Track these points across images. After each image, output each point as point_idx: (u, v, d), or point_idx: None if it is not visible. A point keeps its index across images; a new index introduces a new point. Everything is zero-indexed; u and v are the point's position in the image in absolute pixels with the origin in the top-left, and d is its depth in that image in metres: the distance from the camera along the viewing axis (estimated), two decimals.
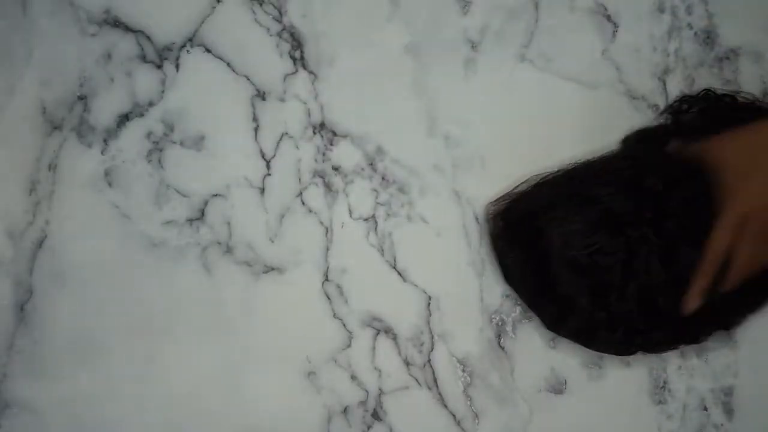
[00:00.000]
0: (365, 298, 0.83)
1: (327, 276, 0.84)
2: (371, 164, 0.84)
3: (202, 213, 0.85)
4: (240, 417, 0.83)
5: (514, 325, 0.82)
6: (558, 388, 0.82)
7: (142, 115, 0.86)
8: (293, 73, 0.85)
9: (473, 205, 0.83)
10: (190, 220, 0.85)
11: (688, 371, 0.81)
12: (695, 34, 0.82)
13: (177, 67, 0.86)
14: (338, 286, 0.84)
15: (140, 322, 0.84)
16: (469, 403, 0.82)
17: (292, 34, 0.85)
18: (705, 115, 0.76)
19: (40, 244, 0.85)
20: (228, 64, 0.85)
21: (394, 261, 0.83)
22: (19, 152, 0.86)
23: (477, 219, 0.83)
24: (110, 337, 0.84)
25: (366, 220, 0.84)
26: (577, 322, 0.73)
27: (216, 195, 0.85)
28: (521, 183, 0.76)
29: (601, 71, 0.83)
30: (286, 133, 0.85)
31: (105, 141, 0.86)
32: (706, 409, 0.81)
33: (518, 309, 0.83)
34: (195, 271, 0.84)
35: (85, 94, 0.86)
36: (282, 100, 0.85)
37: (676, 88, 0.82)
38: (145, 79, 0.86)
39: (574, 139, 0.81)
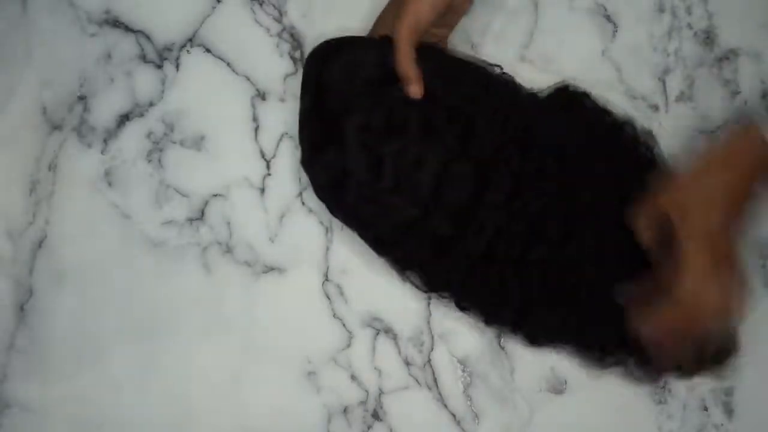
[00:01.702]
0: (365, 298, 0.83)
1: (327, 276, 0.84)
2: None
3: (202, 213, 0.85)
4: (240, 417, 0.83)
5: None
6: (558, 388, 0.82)
7: (142, 115, 0.86)
8: (293, 73, 0.85)
9: None
10: (190, 220, 0.85)
11: None
12: (695, 34, 0.82)
13: (177, 67, 0.86)
14: (338, 286, 0.84)
15: (140, 322, 0.84)
16: (469, 403, 0.82)
17: (292, 34, 0.85)
18: None
19: (40, 244, 0.85)
20: (228, 64, 0.85)
21: None
22: (19, 152, 0.86)
23: None
24: (110, 337, 0.84)
25: None
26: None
27: (216, 195, 0.85)
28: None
29: (601, 71, 0.83)
30: (286, 133, 0.85)
31: (105, 141, 0.86)
32: (706, 409, 0.81)
33: None
34: (195, 271, 0.84)
35: (85, 94, 0.86)
36: (282, 100, 0.85)
37: (676, 88, 0.82)
38: (145, 79, 0.86)
39: None
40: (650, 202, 0.71)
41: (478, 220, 0.75)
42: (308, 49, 0.85)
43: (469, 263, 0.76)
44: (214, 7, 0.86)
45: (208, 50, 0.86)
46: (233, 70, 0.85)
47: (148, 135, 0.85)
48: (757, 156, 0.68)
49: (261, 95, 0.85)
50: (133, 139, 0.85)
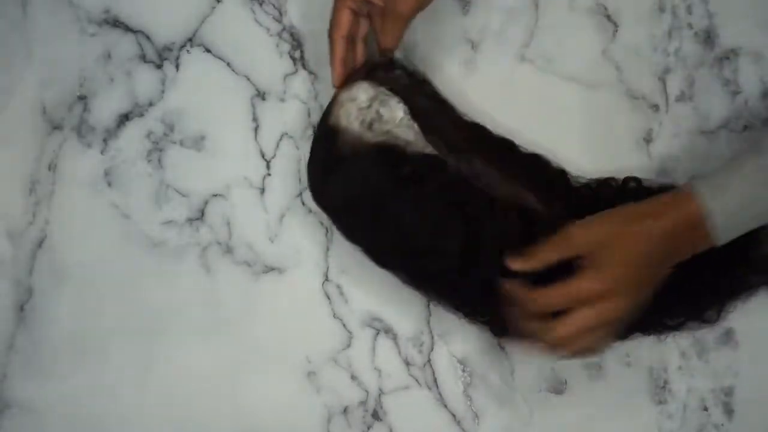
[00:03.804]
0: (365, 298, 0.83)
1: (327, 276, 0.84)
2: None
3: (202, 213, 0.85)
4: (240, 417, 0.83)
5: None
6: (558, 388, 0.82)
7: (142, 115, 0.86)
8: (293, 73, 0.85)
9: None
10: (190, 220, 0.85)
11: (689, 371, 0.81)
12: (695, 33, 0.82)
13: (177, 67, 0.86)
14: (338, 286, 0.84)
15: (140, 322, 0.84)
16: (469, 403, 0.82)
17: (292, 34, 0.85)
18: None
19: (40, 244, 0.85)
20: (228, 64, 0.85)
21: None
22: (19, 152, 0.86)
23: None
24: (110, 337, 0.84)
25: None
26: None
27: (216, 195, 0.85)
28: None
29: (601, 71, 0.83)
30: (286, 133, 0.85)
31: (105, 141, 0.86)
32: (706, 409, 0.81)
33: None
34: (195, 271, 0.84)
35: (85, 94, 0.86)
36: (282, 100, 0.85)
37: (676, 88, 0.82)
38: (145, 79, 0.86)
39: (574, 139, 0.81)
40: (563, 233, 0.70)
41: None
42: (308, 48, 0.85)
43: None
44: (213, 7, 0.86)
45: (208, 50, 0.86)
46: (233, 70, 0.85)
47: (148, 135, 0.85)
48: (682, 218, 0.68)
49: (261, 95, 0.85)
50: (133, 139, 0.85)
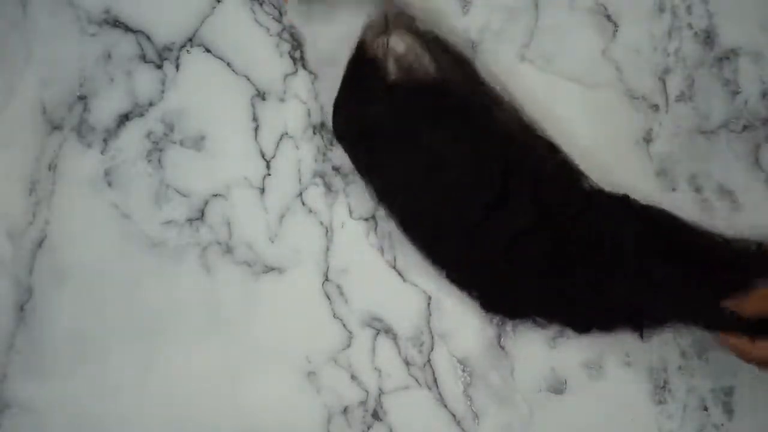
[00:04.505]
0: (365, 298, 0.83)
1: (327, 276, 0.84)
2: None
3: (202, 213, 0.85)
4: (240, 417, 0.83)
5: (514, 324, 0.82)
6: (558, 388, 0.82)
7: (142, 115, 0.86)
8: (293, 73, 0.85)
9: None
10: (190, 220, 0.85)
11: (689, 371, 0.81)
12: (695, 33, 0.82)
13: (177, 67, 0.86)
14: (338, 286, 0.84)
15: (140, 322, 0.84)
16: (469, 403, 0.82)
17: (292, 34, 0.85)
18: None
19: (40, 244, 0.85)
20: (228, 64, 0.85)
21: (394, 261, 0.83)
22: (19, 152, 0.86)
23: None
24: (110, 337, 0.84)
25: (366, 220, 0.84)
26: None
27: (216, 195, 0.85)
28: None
29: (601, 71, 0.83)
30: (286, 133, 0.85)
31: (105, 141, 0.86)
32: (706, 409, 0.81)
33: None
34: (195, 271, 0.84)
35: (85, 94, 0.86)
36: (282, 100, 0.85)
37: (676, 88, 0.82)
38: (145, 79, 0.86)
39: (574, 139, 0.81)
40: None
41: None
42: (308, 48, 0.85)
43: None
44: (213, 7, 0.86)
45: (208, 50, 0.86)
46: (233, 70, 0.85)
47: (148, 135, 0.86)
48: None
49: (261, 95, 0.85)
50: (133, 139, 0.86)
